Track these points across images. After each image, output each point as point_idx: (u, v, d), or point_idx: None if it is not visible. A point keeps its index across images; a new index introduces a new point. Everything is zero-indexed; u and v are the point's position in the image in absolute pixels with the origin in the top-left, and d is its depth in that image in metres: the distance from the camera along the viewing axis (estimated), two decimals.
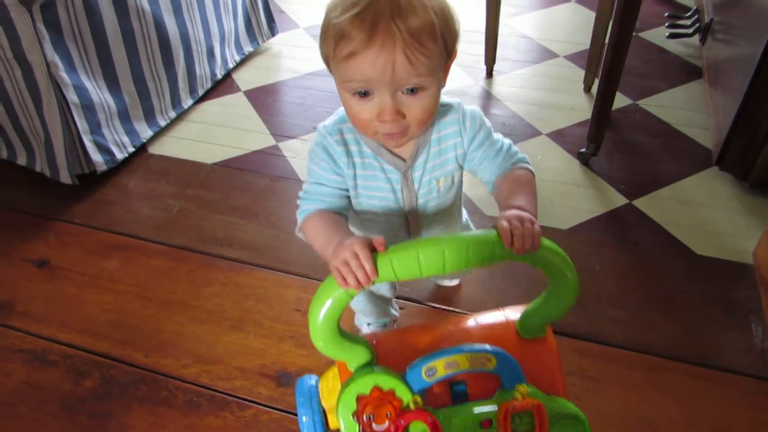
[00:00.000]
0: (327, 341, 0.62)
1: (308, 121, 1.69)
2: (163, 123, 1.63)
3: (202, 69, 1.74)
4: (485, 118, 0.78)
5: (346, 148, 0.75)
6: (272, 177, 1.50)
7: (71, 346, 1.11)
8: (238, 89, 1.84)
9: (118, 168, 1.50)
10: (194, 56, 1.69)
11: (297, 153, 1.58)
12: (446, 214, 0.86)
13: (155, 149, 1.59)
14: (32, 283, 1.24)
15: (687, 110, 1.68)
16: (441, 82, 0.69)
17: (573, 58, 1.94)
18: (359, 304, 0.98)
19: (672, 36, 1.89)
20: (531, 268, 0.64)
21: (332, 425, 0.70)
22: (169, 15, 1.56)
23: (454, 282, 1.18)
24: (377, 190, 0.78)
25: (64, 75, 1.30)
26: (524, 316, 0.69)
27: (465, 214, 0.97)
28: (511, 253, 0.59)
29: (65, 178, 1.41)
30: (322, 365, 0.65)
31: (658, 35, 2.01)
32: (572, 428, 0.63)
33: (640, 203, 1.39)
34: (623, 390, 1.01)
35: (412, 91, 0.66)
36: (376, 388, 0.61)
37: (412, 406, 0.61)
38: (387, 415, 0.60)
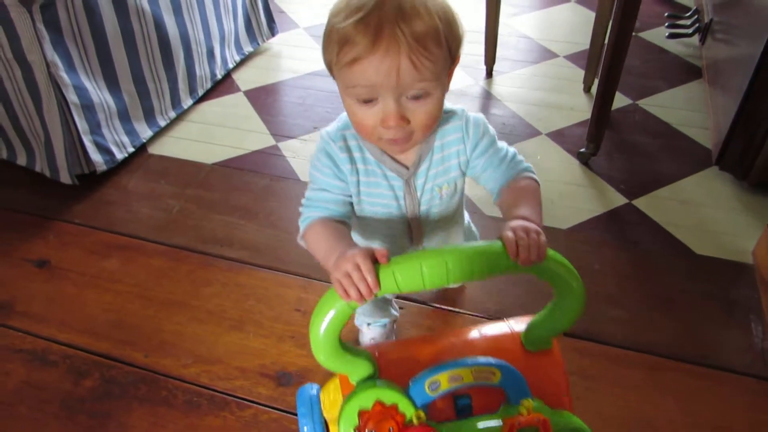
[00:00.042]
0: (328, 354, 0.61)
1: (308, 121, 1.69)
2: (162, 123, 1.63)
3: (202, 69, 1.74)
4: (489, 125, 0.77)
5: (349, 154, 0.75)
6: (272, 177, 1.50)
7: (71, 346, 1.11)
8: (238, 89, 1.84)
9: (117, 168, 1.50)
10: (194, 56, 1.69)
11: (297, 153, 1.58)
12: (449, 220, 0.85)
13: (155, 149, 1.59)
14: (32, 283, 1.24)
15: (687, 110, 1.68)
16: (445, 87, 0.69)
17: (573, 58, 1.94)
18: None
19: (672, 36, 1.89)
20: None
21: None
22: (169, 15, 1.56)
23: (458, 284, 1.18)
24: (380, 197, 0.78)
25: (63, 75, 1.30)
26: (529, 328, 0.67)
27: (467, 217, 0.96)
28: (516, 264, 0.58)
29: (65, 178, 1.41)
30: (322, 366, 0.64)
31: (657, 35, 2.02)
32: None
33: (640, 203, 1.39)
34: (623, 389, 1.01)
35: (417, 97, 0.65)
36: (379, 403, 0.60)
37: (415, 421, 0.59)
38: (389, 430, 0.59)
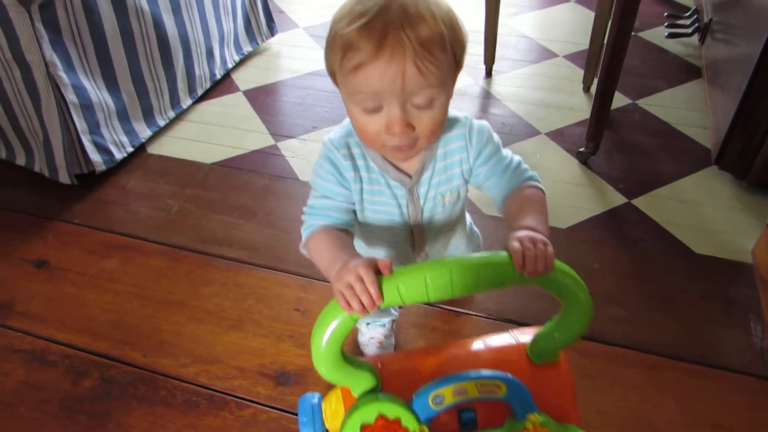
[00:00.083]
0: (330, 367, 0.60)
1: (307, 121, 1.69)
2: (162, 123, 1.63)
3: (201, 69, 1.74)
4: (494, 133, 0.76)
5: (353, 162, 0.74)
6: (271, 176, 1.50)
7: (70, 346, 1.11)
8: (237, 89, 1.84)
9: (117, 168, 1.50)
10: (193, 56, 1.69)
11: (296, 152, 1.58)
12: (451, 226, 0.85)
13: (154, 149, 1.59)
14: (31, 283, 1.23)
15: (686, 110, 1.68)
16: (450, 93, 0.68)
17: (572, 57, 1.94)
18: None
19: (671, 36, 1.89)
20: None
21: None
22: (168, 15, 1.56)
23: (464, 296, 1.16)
24: (383, 204, 0.77)
25: (62, 75, 1.30)
26: (536, 340, 0.66)
27: (468, 218, 0.95)
28: (523, 276, 0.57)
29: (64, 178, 1.41)
30: (324, 379, 0.63)
31: (657, 35, 2.02)
32: None
33: (639, 202, 1.39)
34: (623, 389, 1.01)
35: (422, 103, 0.64)
36: (381, 417, 0.59)
37: None
38: None
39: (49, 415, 1.00)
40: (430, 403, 0.59)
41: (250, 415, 0.99)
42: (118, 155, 1.48)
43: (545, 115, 1.68)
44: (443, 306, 1.15)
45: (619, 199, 1.40)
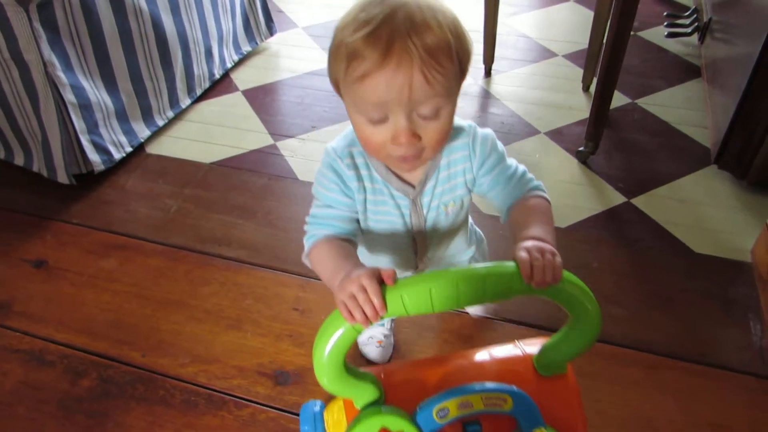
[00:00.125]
0: (332, 378, 0.58)
1: (306, 120, 1.69)
2: (161, 123, 1.63)
3: (200, 68, 1.74)
4: (498, 142, 0.76)
5: (356, 172, 0.73)
6: (270, 176, 1.50)
7: (69, 346, 1.11)
8: (236, 89, 1.84)
9: (115, 168, 1.50)
10: (192, 56, 1.69)
11: (295, 152, 1.58)
12: (453, 234, 0.85)
13: (153, 149, 1.59)
14: (30, 284, 1.23)
15: (685, 109, 1.68)
16: (456, 102, 0.67)
17: (571, 57, 1.94)
18: None
19: (671, 35, 1.89)
20: None
21: None
22: (167, 14, 1.56)
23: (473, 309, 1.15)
24: (386, 214, 0.77)
25: (61, 74, 1.30)
26: (543, 352, 0.64)
27: (470, 219, 0.94)
28: (531, 287, 0.55)
29: (62, 178, 1.41)
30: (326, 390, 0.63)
31: (656, 34, 2.02)
32: None
33: (639, 201, 1.39)
34: (622, 388, 1.01)
35: (429, 113, 0.63)
36: (384, 430, 0.58)
37: None
38: None
39: (47, 415, 1.00)
40: (435, 416, 0.58)
41: (248, 414, 0.99)
42: (117, 155, 1.48)
43: (544, 115, 1.68)
44: None
45: (618, 199, 1.40)
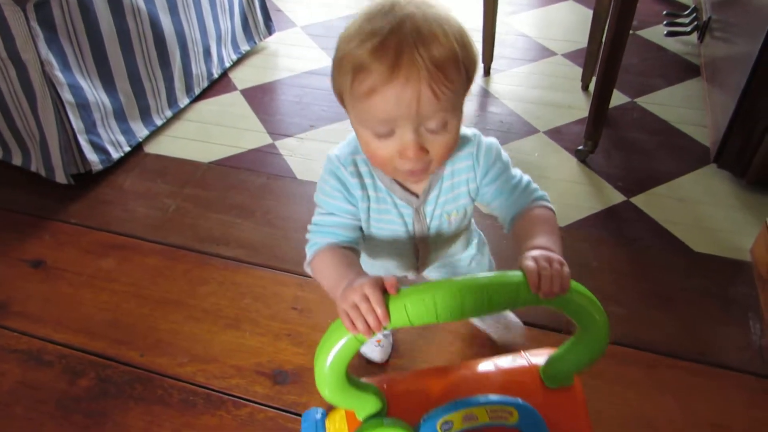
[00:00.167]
0: (334, 389, 0.57)
1: (305, 120, 1.68)
2: (159, 122, 1.63)
3: (198, 68, 1.74)
4: (503, 151, 0.75)
5: (360, 180, 0.72)
6: (269, 175, 1.49)
7: (67, 346, 1.10)
8: (234, 88, 1.83)
9: (114, 167, 1.50)
10: (190, 55, 1.68)
11: (294, 151, 1.57)
12: (456, 241, 0.85)
13: (151, 148, 1.59)
14: (28, 283, 1.23)
15: (685, 108, 1.68)
16: (462, 114, 0.65)
17: (571, 56, 1.94)
18: None
19: (670, 34, 1.89)
20: None
21: None
22: (165, 14, 1.56)
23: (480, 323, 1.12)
24: (389, 222, 0.76)
25: (58, 74, 1.29)
26: (550, 363, 0.63)
27: (472, 221, 0.94)
28: (538, 297, 0.54)
29: (61, 177, 1.40)
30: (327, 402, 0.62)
31: (656, 33, 2.01)
32: None
33: (638, 200, 1.39)
34: (622, 387, 1.01)
35: (436, 127, 0.62)
36: None
37: None
38: None
39: (45, 415, 1.00)
40: (439, 429, 0.56)
41: (247, 414, 0.99)
42: (115, 155, 1.48)
43: (544, 114, 1.68)
44: None
45: (617, 198, 1.40)
